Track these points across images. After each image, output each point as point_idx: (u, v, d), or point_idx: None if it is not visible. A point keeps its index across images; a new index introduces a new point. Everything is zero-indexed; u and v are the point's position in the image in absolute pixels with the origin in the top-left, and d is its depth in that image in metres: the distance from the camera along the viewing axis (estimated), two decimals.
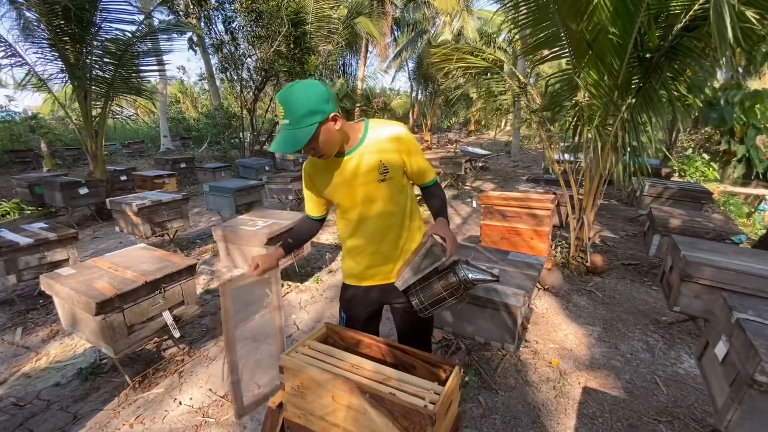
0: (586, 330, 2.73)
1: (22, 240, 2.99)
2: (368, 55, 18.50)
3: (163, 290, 2.13)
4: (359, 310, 1.53)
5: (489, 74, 3.92)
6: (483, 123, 24.28)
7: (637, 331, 2.75)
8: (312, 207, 1.50)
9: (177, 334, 2.24)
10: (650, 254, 3.33)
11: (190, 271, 2.27)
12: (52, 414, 2.07)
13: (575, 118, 3.54)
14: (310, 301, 3.21)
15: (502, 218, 3.15)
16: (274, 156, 8.43)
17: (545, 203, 2.95)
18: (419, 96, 18.11)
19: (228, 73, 8.37)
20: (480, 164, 9.63)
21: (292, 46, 8.13)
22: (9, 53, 5.05)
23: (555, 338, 2.63)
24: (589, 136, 3.25)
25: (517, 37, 4.48)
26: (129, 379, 2.23)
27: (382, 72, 20.57)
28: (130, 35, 5.28)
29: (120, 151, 13.13)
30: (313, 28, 8.67)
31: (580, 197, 3.66)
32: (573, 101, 3.51)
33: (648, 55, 2.98)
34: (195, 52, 7.23)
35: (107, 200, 4.08)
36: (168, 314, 2.18)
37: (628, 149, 3.17)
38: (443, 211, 1.43)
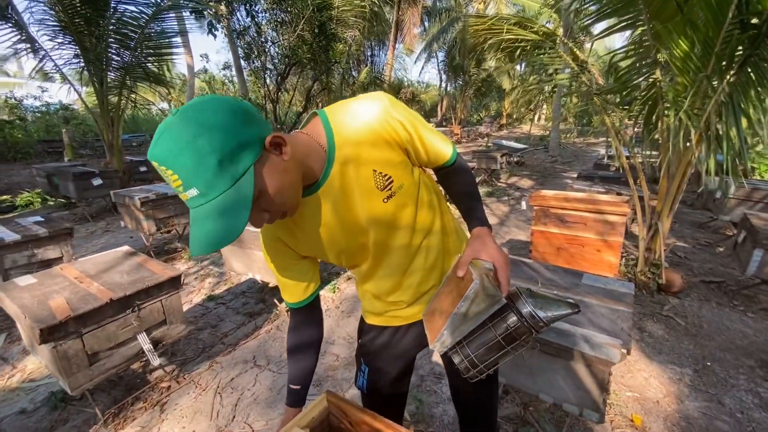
0: (672, 372, 2.11)
1: (9, 236, 2.68)
2: (396, 46, 17.85)
3: (137, 308, 1.71)
4: (388, 361, 1.08)
5: (541, 49, 3.28)
6: (515, 116, 23.11)
7: (741, 376, 2.10)
8: (295, 288, 0.93)
9: (156, 362, 1.82)
10: (749, 273, 2.63)
11: (174, 284, 1.84)
12: None
13: (651, 102, 2.87)
14: (324, 315, 2.75)
15: (560, 224, 2.55)
16: None
17: (620, 207, 2.33)
18: (448, 88, 17.32)
19: (251, 61, 8.03)
20: (515, 159, 8.88)
21: (316, 31, 7.67)
22: (23, 38, 4.85)
23: (632, 383, 2.03)
24: (672, 122, 2.58)
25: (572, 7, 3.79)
26: (100, 413, 1.84)
27: (406, 52, 19.77)
28: (144, 15, 4.96)
29: (148, 143, 13.24)
30: (339, 13, 8.17)
31: (652, 200, 2.99)
32: (650, 80, 2.84)
33: (755, 21, 2.29)
34: (215, 36, 6.93)
35: (111, 192, 3.77)
36: (144, 338, 1.76)
37: (728, 140, 2.48)
38: (478, 207, 0.89)
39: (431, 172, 0.97)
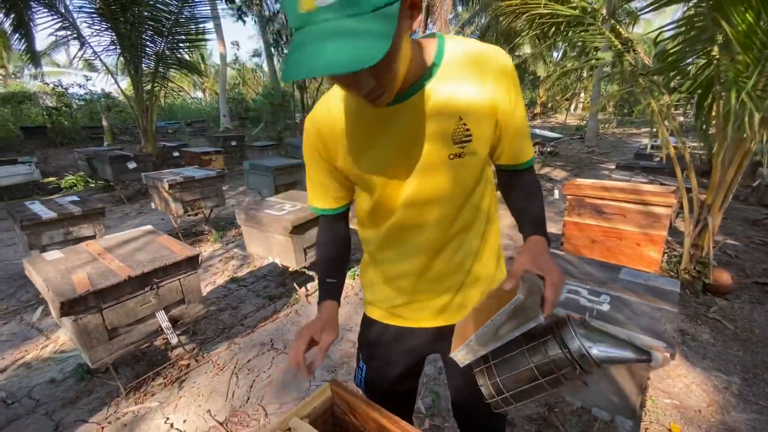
0: (717, 380, 1.92)
1: (45, 213, 2.80)
2: (427, 30, 17.41)
3: (155, 286, 1.72)
4: (389, 363, 0.96)
5: (580, 26, 3.03)
6: (550, 105, 22.13)
7: None
8: (325, 194, 0.86)
9: (174, 340, 1.84)
10: None
11: (191, 263, 1.84)
12: (36, 419, 1.78)
13: (706, 83, 2.59)
14: (342, 302, 2.71)
15: (596, 215, 2.36)
16: None
17: (666, 197, 2.12)
18: None
19: (280, 48, 8.05)
20: (549, 149, 8.49)
21: None
22: (66, 25, 5.05)
23: (672, 390, 1.86)
24: (732, 105, 2.31)
25: None
26: (122, 387, 1.89)
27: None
28: (174, 1, 5.04)
29: (183, 130, 13.69)
30: None
31: (701, 193, 2.73)
32: (706, 59, 2.55)
33: None
34: (244, 22, 6.96)
35: (142, 175, 3.88)
36: (163, 315, 1.78)
37: None
38: (540, 216, 0.80)
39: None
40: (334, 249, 0.91)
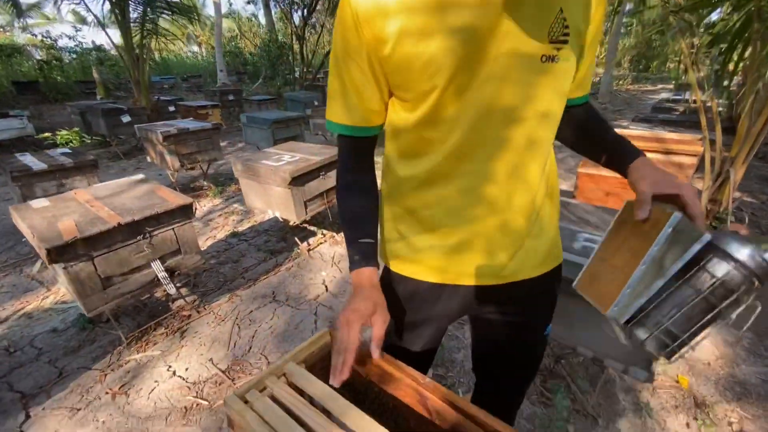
0: (728, 335, 1.87)
1: (36, 165, 2.70)
2: None
3: (148, 235, 1.65)
4: (418, 326, 0.82)
5: None
6: None
7: None
8: (358, 103, 0.65)
9: (172, 290, 1.80)
10: None
11: (185, 212, 1.76)
12: (39, 367, 1.78)
13: (743, 21, 2.34)
14: (344, 256, 2.66)
15: None
16: (324, 90, 7.69)
17: (692, 145, 1.96)
18: None
19: None
20: None
21: None
22: None
23: None
24: None
25: None
26: (123, 336, 1.88)
27: None
28: None
29: (179, 85, 13.21)
30: None
31: (725, 147, 2.56)
32: None
33: None
34: None
35: (135, 127, 3.72)
36: (159, 265, 1.72)
37: None
38: (629, 142, 0.70)
39: None
40: (365, 197, 0.73)
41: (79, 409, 1.56)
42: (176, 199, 1.73)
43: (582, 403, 1.49)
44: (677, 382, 1.60)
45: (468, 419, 0.62)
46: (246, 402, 0.64)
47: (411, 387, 0.70)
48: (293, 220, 2.50)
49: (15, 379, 1.71)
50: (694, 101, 4.07)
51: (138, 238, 1.63)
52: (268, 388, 0.67)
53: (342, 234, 2.97)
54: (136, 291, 1.70)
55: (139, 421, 1.50)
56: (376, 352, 0.68)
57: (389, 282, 0.82)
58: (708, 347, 1.79)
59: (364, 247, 0.72)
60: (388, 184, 0.76)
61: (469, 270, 0.72)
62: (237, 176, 2.60)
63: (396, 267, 0.79)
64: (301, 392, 0.69)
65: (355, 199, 0.74)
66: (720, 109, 4.87)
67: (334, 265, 2.57)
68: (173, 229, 1.74)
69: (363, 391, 0.79)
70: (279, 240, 2.92)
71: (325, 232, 2.98)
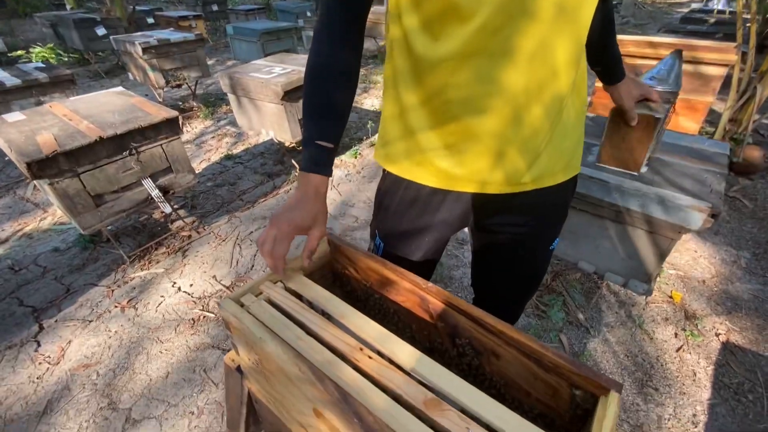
0: (726, 254, 1.89)
1: (9, 80, 2.49)
2: None
3: (134, 151, 1.56)
4: (416, 236, 0.78)
5: None
6: None
7: None
8: None
9: (167, 209, 1.76)
10: None
11: (172, 127, 1.64)
12: (46, 284, 1.82)
13: None
14: (344, 179, 2.60)
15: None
16: None
17: (725, 53, 1.77)
18: None
19: None
20: None
21: None
22: None
23: (678, 261, 1.84)
24: None
25: None
26: (125, 255, 1.89)
27: None
28: None
29: None
30: None
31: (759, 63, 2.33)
32: None
33: None
34: None
35: (111, 38, 3.39)
36: (150, 184, 1.65)
37: None
38: (620, 60, 0.83)
39: None
40: (342, 86, 0.63)
41: (90, 321, 1.62)
42: (159, 112, 1.60)
43: (576, 315, 1.54)
44: (671, 297, 1.64)
45: (470, 320, 0.60)
46: (242, 306, 0.62)
47: (411, 292, 0.67)
48: (288, 140, 2.38)
49: (24, 295, 1.76)
50: (731, 12, 3.66)
51: (124, 154, 1.54)
52: (264, 292, 0.65)
53: (341, 157, 2.87)
54: (130, 210, 1.66)
55: (149, 330, 1.56)
56: (306, 262, 0.67)
57: (389, 187, 0.77)
58: (705, 266, 1.81)
59: (320, 151, 0.64)
60: (397, 69, 0.64)
61: (479, 175, 0.65)
62: (225, 91, 2.42)
63: (397, 169, 0.72)
64: (300, 298, 0.67)
65: (329, 85, 0.63)
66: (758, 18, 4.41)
67: (333, 187, 2.51)
68: (161, 145, 1.64)
69: (363, 297, 0.77)
70: (276, 163, 2.83)
71: None
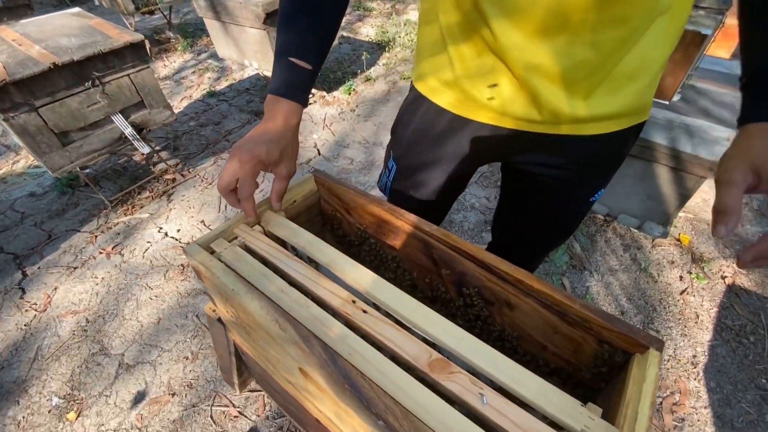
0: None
1: None
2: None
3: (98, 82, 1.38)
4: (433, 166, 0.66)
5: None
6: None
7: None
8: None
9: (145, 150, 1.62)
10: None
11: (138, 54, 1.44)
12: (25, 230, 1.73)
13: None
14: (337, 118, 2.41)
15: None
16: None
17: None
18: None
19: None
20: None
21: None
22: None
23: (688, 203, 1.75)
24: None
25: None
26: (105, 199, 1.78)
27: None
28: None
29: None
30: None
31: None
32: None
33: None
34: None
35: None
36: (121, 120, 1.50)
37: None
38: None
39: None
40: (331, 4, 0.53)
41: (75, 268, 1.56)
42: (122, 35, 1.39)
43: (580, 258, 1.49)
44: (678, 240, 1.58)
45: (482, 268, 0.52)
46: (212, 253, 0.53)
47: (413, 236, 0.58)
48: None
49: (3, 242, 1.67)
50: None
51: (86, 85, 1.36)
52: (239, 237, 0.55)
53: (333, 93, 2.66)
54: (103, 150, 1.52)
55: (137, 277, 1.50)
56: (276, 206, 0.57)
57: (412, 103, 0.65)
58: None
59: (295, 71, 0.53)
60: None
61: (513, 109, 0.53)
62: (200, 15, 2.14)
63: (424, 88, 0.61)
64: (283, 244, 0.57)
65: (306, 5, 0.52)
66: None
67: (325, 127, 2.34)
68: (128, 75, 1.46)
69: (357, 242, 0.68)
70: (262, 100, 2.61)
71: (314, 91, 2.65)
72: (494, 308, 0.55)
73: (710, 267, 1.47)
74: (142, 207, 1.82)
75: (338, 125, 2.35)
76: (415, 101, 0.63)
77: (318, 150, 2.17)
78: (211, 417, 1.12)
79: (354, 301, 0.46)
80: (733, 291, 1.40)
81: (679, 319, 1.33)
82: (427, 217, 0.73)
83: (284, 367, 0.53)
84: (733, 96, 0.98)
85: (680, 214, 1.70)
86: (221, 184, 0.51)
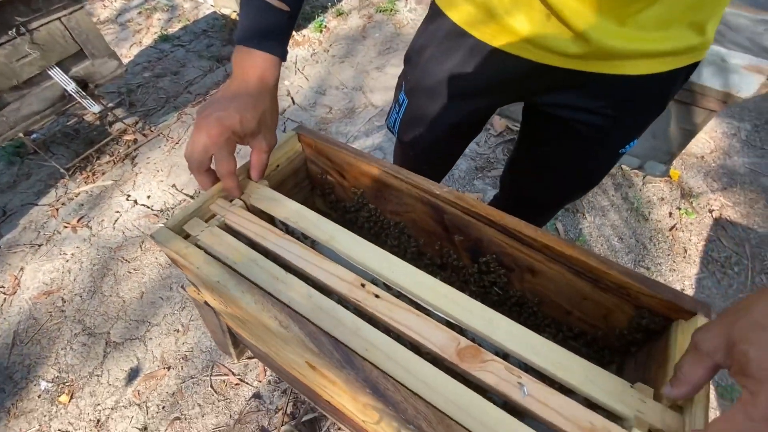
0: (728, 127, 1.78)
1: None
2: None
3: (23, 29, 1.16)
4: (450, 102, 0.57)
5: None
6: None
7: None
8: None
9: (95, 108, 1.43)
10: None
11: None
12: None
13: None
14: (309, 60, 2.20)
15: None
16: None
17: None
18: None
19: None
20: None
21: None
22: None
23: None
24: None
25: None
26: (59, 167, 1.60)
27: None
28: None
29: None
30: None
31: None
32: None
33: None
34: None
35: None
36: (60, 74, 1.29)
37: None
38: None
39: None
40: None
41: (40, 245, 1.43)
42: None
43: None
44: (668, 176, 1.57)
45: (502, 233, 0.46)
46: (187, 237, 0.44)
47: (420, 200, 0.51)
48: (233, 9, 1.90)
49: None
50: None
51: (10, 34, 1.14)
52: (217, 214, 0.47)
53: (302, 32, 2.39)
54: (46, 111, 1.33)
55: (111, 250, 1.40)
56: (256, 178, 0.49)
57: (431, 23, 0.55)
58: (705, 141, 1.71)
59: (270, 14, 0.43)
60: None
61: (554, 40, 0.44)
62: None
63: (447, 6, 0.51)
64: (271, 220, 0.49)
65: None
66: None
67: (298, 71, 2.14)
68: (59, 19, 1.22)
69: (353, 209, 0.61)
70: (224, 43, 2.33)
71: None
72: (514, 274, 0.50)
73: (699, 201, 1.48)
74: (104, 174, 1.65)
75: (312, 69, 2.14)
76: (434, 21, 0.54)
77: (292, 98, 1.99)
78: (212, 387, 1.10)
79: (363, 285, 0.40)
80: (720, 224, 1.42)
81: (669, 255, 1.35)
82: (436, 162, 0.65)
83: (290, 359, 0.48)
84: (749, 18, 0.89)
85: None
86: (192, 164, 0.42)
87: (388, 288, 0.42)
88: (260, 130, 0.45)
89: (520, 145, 0.69)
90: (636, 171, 1.49)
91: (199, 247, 0.42)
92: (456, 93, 0.55)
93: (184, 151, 0.44)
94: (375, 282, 0.43)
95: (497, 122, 1.73)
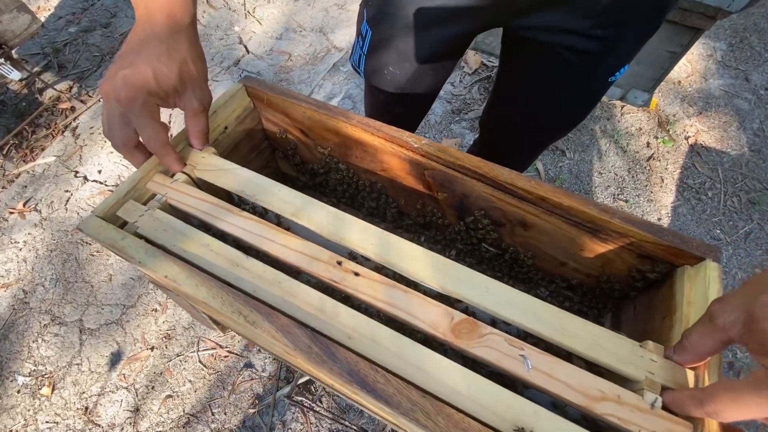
0: (703, 48, 1.73)
1: None
2: None
3: None
4: (419, 30, 0.48)
5: None
6: None
7: None
8: None
9: (15, 75, 1.24)
10: None
11: None
12: None
13: None
14: (260, 0, 1.95)
15: None
16: None
17: None
18: None
19: None
20: None
21: None
22: None
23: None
24: None
25: None
26: None
27: None
28: None
29: None
30: None
31: None
32: None
33: None
34: None
35: None
36: None
37: None
38: None
39: None
40: None
41: None
42: None
43: None
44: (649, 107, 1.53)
45: (492, 186, 0.41)
46: (123, 225, 0.37)
47: (398, 156, 0.44)
48: None
49: None
50: None
51: None
52: (158, 194, 0.39)
53: None
54: None
55: (67, 234, 1.29)
56: (198, 147, 0.41)
57: None
58: (681, 64, 1.66)
59: None
60: None
61: None
62: None
63: None
64: (229, 197, 0.42)
65: None
66: None
67: (248, 15, 1.90)
68: None
69: (322, 171, 0.54)
70: None
71: None
72: (504, 229, 0.46)
73: (675, 129, 1.47)
74: (43, 149, 1.48)
75: (264, 10, 1.91)
76: None
77: (245, 46, 1.79)
78: (200, 362, 1.08)
79: (340, 263, 0.34)
80: (695, 150, 1.43)
81: (646, 185, 1.36)
82: (410, 105, 0.59)
83: (274, 350, 0.44)
84: None
85: None
86: (115, 143, 0.35)
87: (366, 260, 0.37)
88: (185, 85, 0.36)
89: (500, 82, 0.62)
90: (616, 102, 1.45)
91: (138, 235, 0.36)
92: (425, 18, 0.47)
93: (102, 129, 0.35)
94: (353, 256, 0.38)
95: (471, 58, 1.62)
